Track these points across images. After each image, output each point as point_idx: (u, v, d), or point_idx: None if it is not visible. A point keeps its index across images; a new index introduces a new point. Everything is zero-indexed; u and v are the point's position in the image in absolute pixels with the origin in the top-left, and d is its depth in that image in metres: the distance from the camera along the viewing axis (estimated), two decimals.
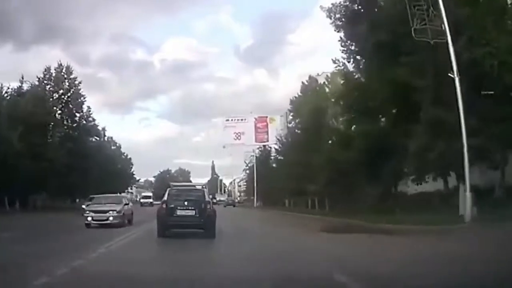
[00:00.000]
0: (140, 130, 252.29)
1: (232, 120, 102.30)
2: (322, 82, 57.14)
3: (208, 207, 19.61)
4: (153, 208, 43.64)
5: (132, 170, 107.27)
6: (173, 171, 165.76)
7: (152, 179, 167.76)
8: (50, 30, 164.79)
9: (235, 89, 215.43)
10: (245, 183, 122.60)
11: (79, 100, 64.55)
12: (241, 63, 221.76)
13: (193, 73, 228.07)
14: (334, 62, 35.42)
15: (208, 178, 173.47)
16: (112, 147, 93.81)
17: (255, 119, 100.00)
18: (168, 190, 20.76)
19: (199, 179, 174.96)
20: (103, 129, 78.70)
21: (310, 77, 62.45)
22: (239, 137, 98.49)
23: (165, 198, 19.96)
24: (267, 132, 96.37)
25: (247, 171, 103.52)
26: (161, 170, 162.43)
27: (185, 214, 19.16)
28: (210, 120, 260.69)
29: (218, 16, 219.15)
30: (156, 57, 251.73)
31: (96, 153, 66.30)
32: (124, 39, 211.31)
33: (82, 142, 63.20)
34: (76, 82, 64.43)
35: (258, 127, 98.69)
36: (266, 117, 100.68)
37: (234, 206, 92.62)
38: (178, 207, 19.22)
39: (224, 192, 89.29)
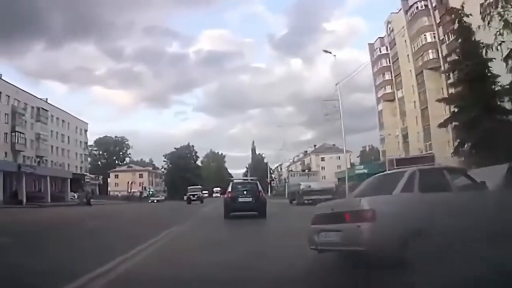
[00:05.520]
0: (176, 124, 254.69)
1: None
2: None
3: (261, 195, 27.55)
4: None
5: None
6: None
7: None
8: (83, 26, 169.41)
9: (270, 79, 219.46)
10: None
11: None
12: (275, 52, 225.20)
13: (228, 64, 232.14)
14: None
15: (243, 170, 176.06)
16: None
17: None
18: (231, 183, 28.76)
19: (236, 170, 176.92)
20: None
21: None
22: None
23: (230, 189, 27.64)
24: None
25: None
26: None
27: (245, 200, 26.51)
28: (246, 111, 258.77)
29: (251, 6, 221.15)
30: (191, 50, 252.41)
31: None
32: (158, 32, 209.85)
33: None
34: None
35: None
36: None
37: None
38: (240, 196, 26.68)
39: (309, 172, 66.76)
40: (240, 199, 26.67)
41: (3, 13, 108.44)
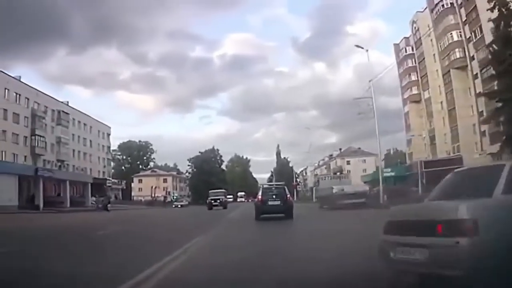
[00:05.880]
0: (201, 128, 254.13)
1: None
2: None
3: (288, 198, 30.45)
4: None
5: None
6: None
7: None
8: (106, 30, 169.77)
9: (294, 82, 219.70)
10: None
11: None
12: (299, 56, 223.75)
13: (252, 68, 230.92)
14: None
15: (268, 175, 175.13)
16: None
17: None
18: (261, 188, 32.43)
19: (261, 175, 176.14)
20: None
21: None
22: None
23: (260, 194, 30.54)
24: None
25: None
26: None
27: (273, 204, 29.00)
28: (270, 115, 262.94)
29: (274, 9, 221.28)
30: (215, 54, 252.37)
31: None
32: (182, 36, 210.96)
33: None
34: None
35: None
36: None
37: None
38: (269, 200, 29.29)
39: (341, 175, 64.80)
40: (270, 202, 29.19)
41: (26, 19, 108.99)
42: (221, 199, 63.94)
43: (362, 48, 46.84)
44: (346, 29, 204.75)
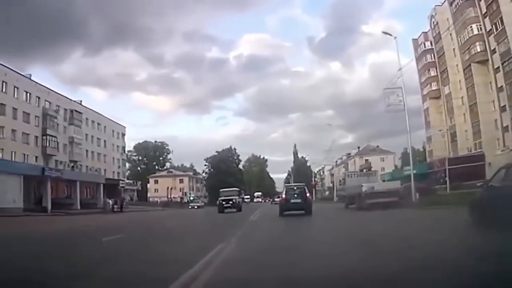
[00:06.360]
0: (217, 129, 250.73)
1: None
2: None
3: (308, 197, 33.18)
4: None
5: None
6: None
7: None
8: (122, 32, 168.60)
9: (310, 82, 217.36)
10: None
11: None
12: (315, 56, 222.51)
13: (268, 68, 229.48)
14: None
15: (285, 174, 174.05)
16: None
17: None
18: (284, 188, 36.91)
19: (278, 175, 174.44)
20: None
21: None
22: None
23: (284, 193, 34.32)
24: None
25: None
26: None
27: (295, 201, 31.85)
28: (287, 116, 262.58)
29: (290, 9, 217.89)
30: (231, 54, 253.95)
31: None
32: (198, 37, 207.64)
33: None
34: None
35: None
36: None
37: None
38: (291, 198, 32.14)
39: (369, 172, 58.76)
40: (292, 201, 32.13)
41: (43, 21, 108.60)
42: (234, 200, 51.86)
43: (390, 35, 44.49)
44: (361, 29, 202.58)
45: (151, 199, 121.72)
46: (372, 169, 53.44)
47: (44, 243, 17.15)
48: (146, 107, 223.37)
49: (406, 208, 31.80)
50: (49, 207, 58.35)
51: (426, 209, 29.60)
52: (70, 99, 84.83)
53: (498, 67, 62.31)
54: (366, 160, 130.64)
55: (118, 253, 12.56)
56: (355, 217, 28.61)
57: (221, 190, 57.26)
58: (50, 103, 75.86)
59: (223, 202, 51.01)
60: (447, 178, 59.33)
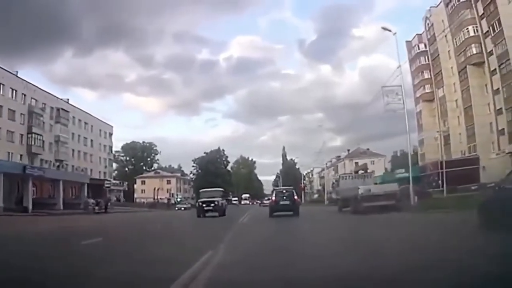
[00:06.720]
0: (206, 130, 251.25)
1: None
2: None
3: (296, 199, 36.46)
4: None
5: None
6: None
7: None
8: (113, 33, 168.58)
9: (300, 85, 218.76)
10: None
11: None
12: (305, 59, 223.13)
13: (258, 71, 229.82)
14: None
15: (274, 177, 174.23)
16: None
17: None
18: (274, 191, 39.75)
19: (266, 177, 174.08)
20: None
21: None
22: None
23: (273, 195, 36.93)
24: None
25: None
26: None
27: (284, 203, 34.58)
28: (276, 118, 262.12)
29: (281, 12, 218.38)
30: (221, 56, 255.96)
31: None
32: (188, 38, 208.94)
33: None
34: None
35: None
36: None
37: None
38: (280, 200, 34.87)
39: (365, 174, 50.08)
40: (281, 202, 34.76)
41: (34, 20, 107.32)
42: (216, 202, 41.99)
43: (390, 30, 42.98)
44: (352, 32, 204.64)
45: (138, 200, 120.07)
46: (369, 171, 51.28)
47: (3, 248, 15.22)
48: (136, 108, 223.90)
49: (405, 212, 30.27)
50: (30, 207, 56.19)
51: (428, 213, 28.19)
52: (57, 97, 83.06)
53: (495, 69, 61.42)
54: (357, 163, 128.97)
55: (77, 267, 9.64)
56: (357, 222, 25.15)
57: (201, 190, 50.25)
58: (36, 100, 74.00)
59: (203, 205, 41.57)
60: (443, 181, 58.05)
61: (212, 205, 41.12)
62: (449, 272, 7.32)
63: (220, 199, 43.32)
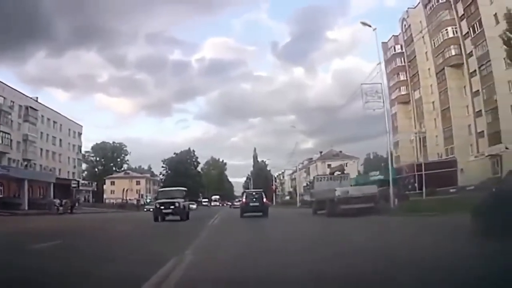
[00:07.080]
0: (178, 131, 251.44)
1: None
2: None
3: (265, 201, 38.87)
4: None
5: None
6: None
7: None
8: (86, 33, 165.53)
9: (273, 87, 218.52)
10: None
11: None
12: (278, 61, 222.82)
13: (230, 72, 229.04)
14: None
15: (244, 178, 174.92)
16: None
17: None
18: (245, 193, 41.85)
19: (237, 179, 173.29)
20: None
21: None
22: None
23: (244, 197, 39.38)
24: None
25: None
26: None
27: (254, 205, 36.85)
28: (248, 120, 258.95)
29: (255, 13, 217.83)
30: (193, 58, 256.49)
31: None
32: (161, 40, 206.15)
33: None
34: None
35: None
36: None
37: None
38: (251, 202, 37.06)
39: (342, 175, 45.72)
40: (251, 204, 36.76)
41: (5, 20, 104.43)
42: (177, 204, 34.31)
43: (370, 26, 41.48)
44: (326, 34, 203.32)
45: (107, 201, 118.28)
46: (346, 172, 49.60)
47: None
48: (107, 108, 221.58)
49: (385, 215, 28.65)
50: None
51: (408, 216, 26.58)
52: (26, 96, 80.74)
53: (474, 70, 60.88)
54: (329, 165, 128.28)
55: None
56: (334, 226, 22.70)
57: (159, 189, 46.97)
58: (4, 98, 71.65)
59: (161, 207, 34.07)
60: (421, 184, 57.01)
61: (172, 207, 34.05)
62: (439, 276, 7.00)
63: (182, 200, 35.64)
